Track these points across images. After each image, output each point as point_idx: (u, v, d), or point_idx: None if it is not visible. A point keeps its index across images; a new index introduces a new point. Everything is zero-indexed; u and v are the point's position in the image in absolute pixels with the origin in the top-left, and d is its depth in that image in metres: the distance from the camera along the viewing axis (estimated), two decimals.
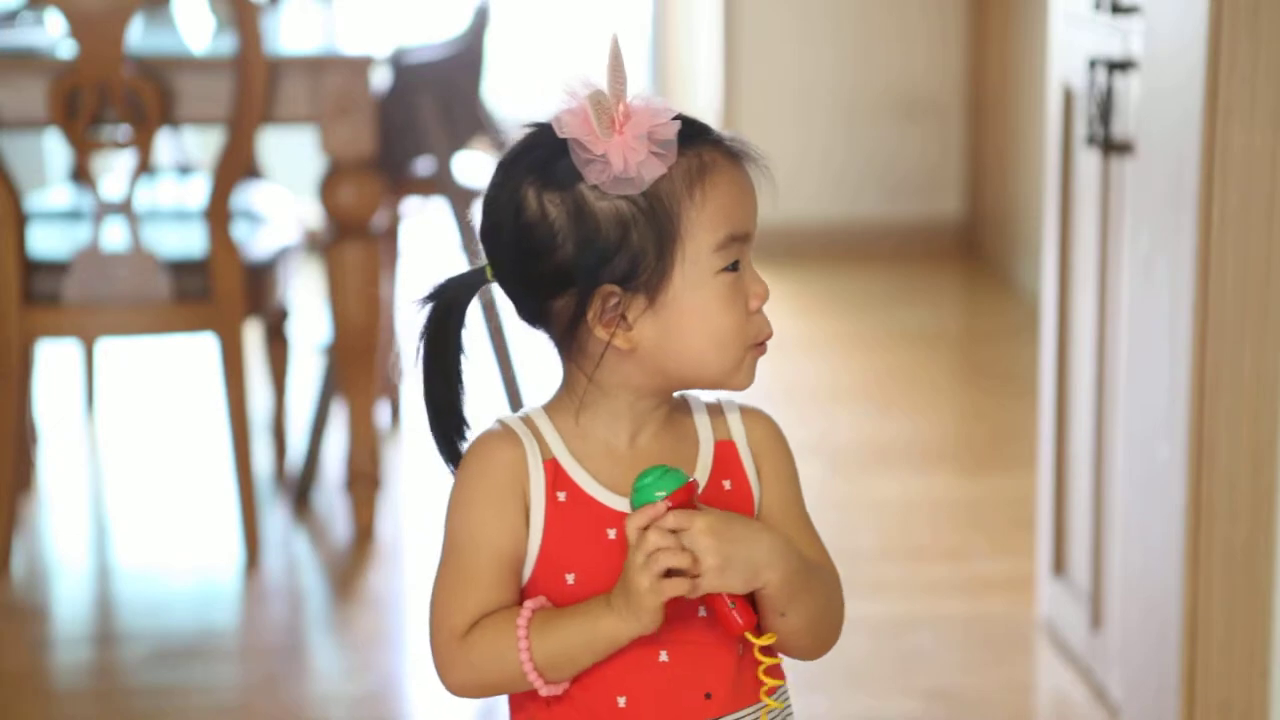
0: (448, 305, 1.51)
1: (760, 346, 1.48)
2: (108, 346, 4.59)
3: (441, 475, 1.55)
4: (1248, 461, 2.47)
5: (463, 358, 1.53)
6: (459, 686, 1.48)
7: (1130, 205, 2.69)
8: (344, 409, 3.60)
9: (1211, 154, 2.41)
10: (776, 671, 1.49)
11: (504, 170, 1.47)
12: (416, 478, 3.92)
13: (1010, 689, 2.98)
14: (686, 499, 1.42)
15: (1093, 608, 2.89)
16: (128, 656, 3.16)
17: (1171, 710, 2.55)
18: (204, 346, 4.00)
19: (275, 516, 3.73)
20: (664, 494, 1.41)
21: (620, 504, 1.46)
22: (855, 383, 4.69)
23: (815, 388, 4.64)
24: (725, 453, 1.52)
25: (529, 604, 1.45)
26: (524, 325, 1.50)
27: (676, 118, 1.44)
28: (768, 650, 1.47)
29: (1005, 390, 4.56)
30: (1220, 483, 2.48)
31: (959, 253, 5.98)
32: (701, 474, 1.51)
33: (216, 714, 2.94)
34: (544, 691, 1.45)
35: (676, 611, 1.43)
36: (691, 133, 1.45)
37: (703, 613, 1.47)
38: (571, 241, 1.43)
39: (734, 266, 1.45)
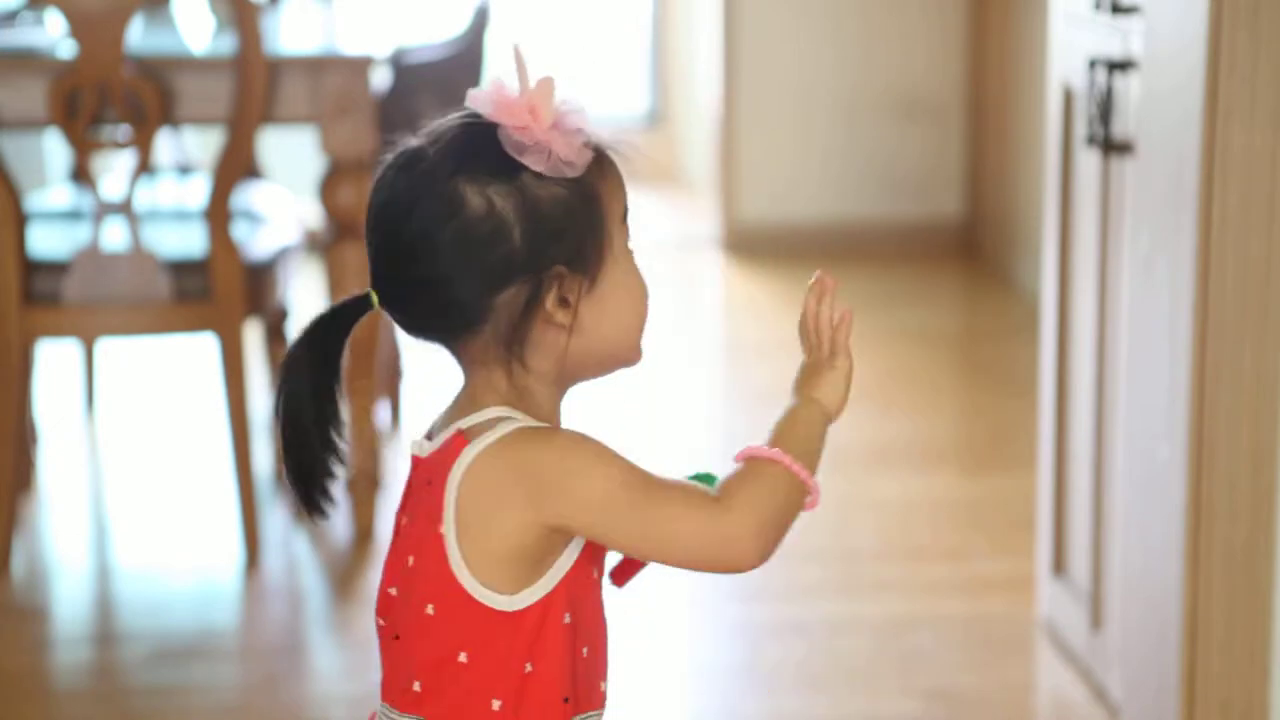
0: (323, 343, 1.51)
1: None
2: (108, 346, 4.59)
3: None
4: (1248, 461, 2.47)
5: (338, 396, 1.51)
6: (756, 544, 1.44)
7: (1130, 205, 2.69)
8: (343, 409, 3.59)
9: (1211, 154, 2.41)
10: None
11: (420, 176, 1.45)
12: None
13: (1010, 689, 2.98)
14: None
15: (1093, 608, 2.89)
16: (128, 656, 3.16)
17: (1171, 710, 2.55)
18: (204, 346, 4.00)
19: (275, 516, 3.73)
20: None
21: None
22: (855, 383, 4.68)
23: None
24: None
25: (748, 450, 1.49)
26: (415, 339, 1.51)
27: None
28: None
29: (1005, 390, 4.56)
30: (1220, 483, 2.48)
31: (959, 253, 5.98)
32: None
33: (216, 714, 2.95)
34: (813, 498, 1.49)
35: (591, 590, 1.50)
36: None
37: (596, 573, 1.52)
38: (519, 229, 1.44)
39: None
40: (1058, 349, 3.06)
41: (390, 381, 4.19)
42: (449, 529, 1.44)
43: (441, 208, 1.44)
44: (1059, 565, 3.07)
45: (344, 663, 3.16)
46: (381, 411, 4.10)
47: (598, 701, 1.50)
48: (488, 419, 1.46)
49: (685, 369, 4.71)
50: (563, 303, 1.46)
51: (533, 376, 1.48)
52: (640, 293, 1.51)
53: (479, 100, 1.46)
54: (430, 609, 1.45)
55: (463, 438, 1.46)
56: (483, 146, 1.44)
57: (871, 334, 5.13)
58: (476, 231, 1.43)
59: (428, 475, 1.48)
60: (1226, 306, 2.44)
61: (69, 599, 3.44)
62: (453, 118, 1.48)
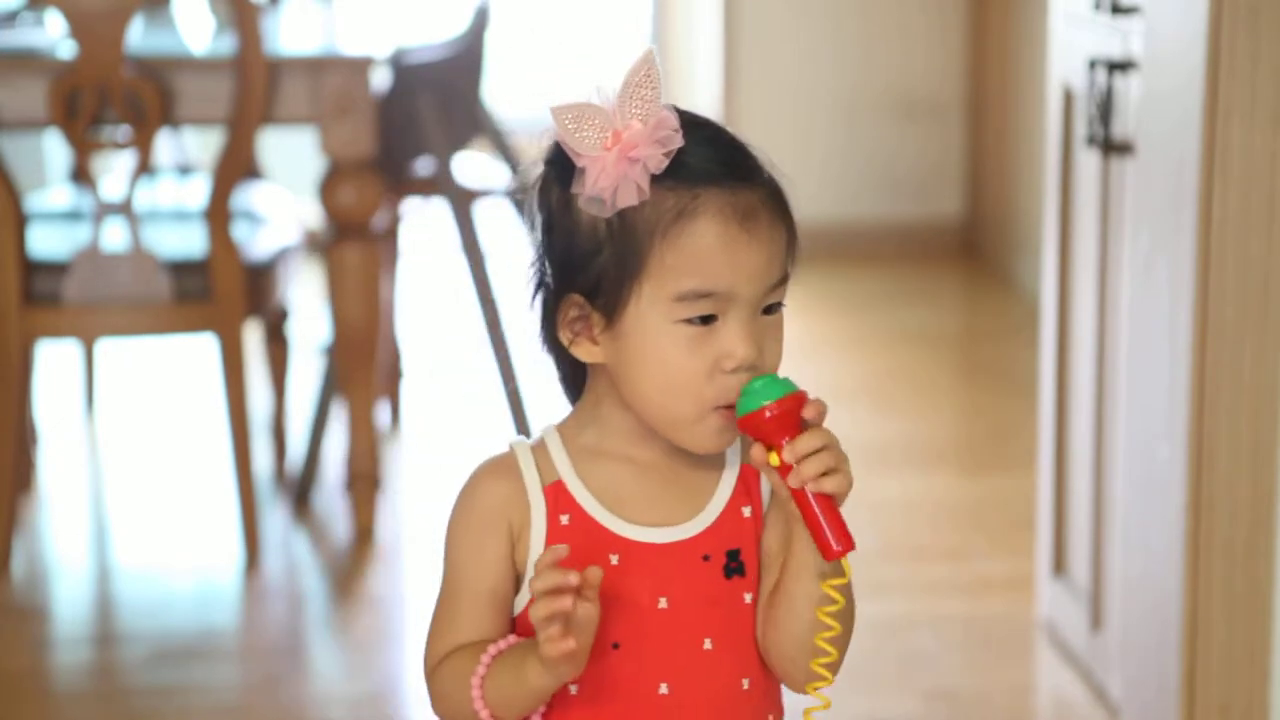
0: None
1: (731, 409, 1.40)
2: (108, 347, 4.59)
3: (442, 476, 1.55)
4: (1248, 461, 2.47)
5: None
6: (437, 715, 1.48)
7: (1130, 205, 2.69)
8: (344, 409, 3.60)
9: (1211, 154, 2.41)
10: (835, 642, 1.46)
11: (551, 150, 1.44)
12: (417, 478, 3.92)
13: (1010, 689, 2.98)
14: (795, 408, 1.39)
15: (1093, 608, 2.89)
16: (128, 657, 3.16)
17: (1172, 710, 2.55)
18: (204, 347, 4.00)
19: (275, 517, 3.73)
20: (770, 402, 1.38)
21: (625, 529, 1.44)
22: (855, 383, 4.69)
23: (815, 388, 4.57)
24: (748, 478, 1.48)
25: (493, 646, 1.42)
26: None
27: (706, 148, 1.40)
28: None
29: (1005, 390, 4.56)
30: (1220, 483, 2.48)
31: (959, 253, 5.98)
32: (722, 497, 1.47)
33: (216, 714, 2.94)
34: None
35: (682, 644, 1.42)
36: (705, 170, 1.39)
37: (708, 645, 1.44)
38: (558, 239, 1.42)
39: (706, 319, 1.39)
40: (1058, 349, 3.06)
41: (390, 381, 4.19)
42: None
43: (538, 186, 1.44)
44: (1059, 565, 3.07)
45: (344, 663, 3.16)
46: (381, 411, 4.10)
47: None
48: (510, 441, 1.49)
49: None
50: (588, 330, 1.42)
51: (594, 396, 1.47)
52: (669, 366, 1.39)
53: (571, 97, 1.41)
54: None
55: None
56: (561, 150, 1.41)
57: (871, 334, 5.13)
58: (539, 217, 1.44)
59: None
60: (1226, 306, 2.44)
61: (69, 599, 3.44)
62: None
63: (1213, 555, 2.50)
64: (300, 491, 3.78)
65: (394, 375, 4.20)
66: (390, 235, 4.03)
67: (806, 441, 1.38)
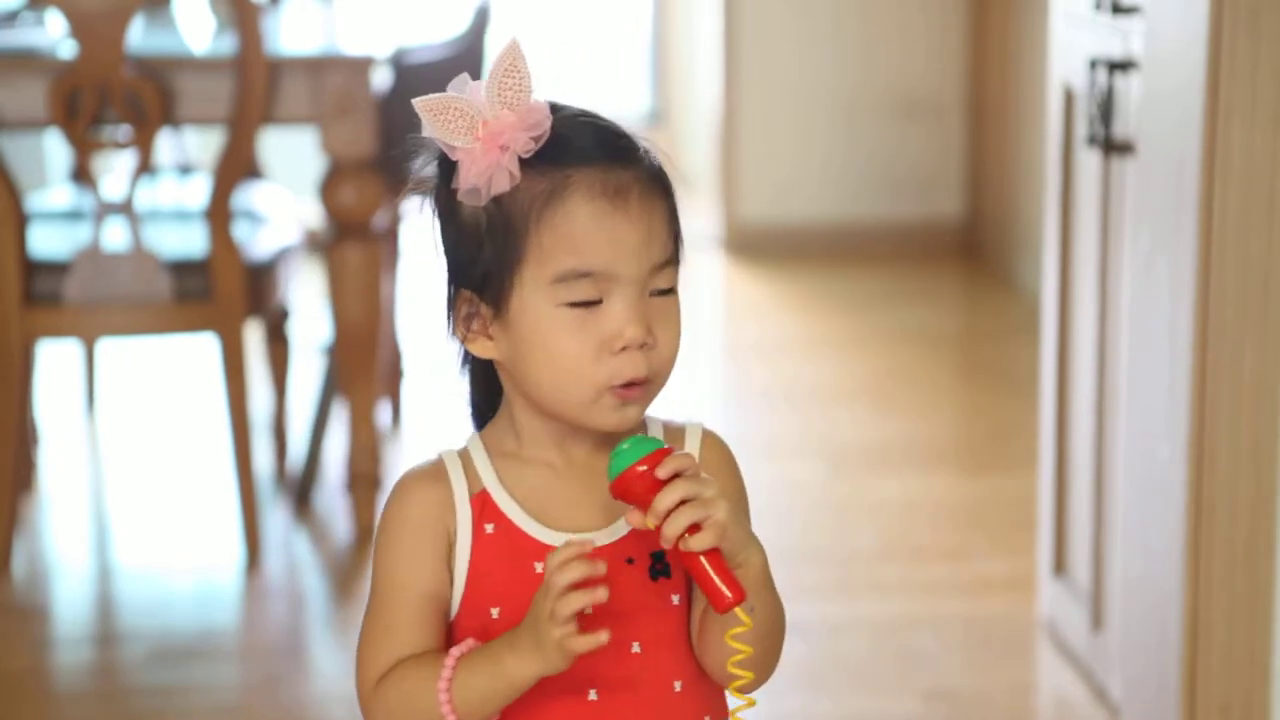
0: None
1: (628, 389, 1.40)
2: (108, 346, 4.59)
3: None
4: (1248, 461, 2.47)
5: None
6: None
7: (1131, 205, 2.69)
8: (345, 409, 3.60)
9: (1212, 154, 2.41)
10: (745, 664, 1.41)
11: (439, 159, 1.45)
12: None
13: (1011, 689, 2.98)
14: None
15: (1093, 608, 2.89)
16: (128, 656, 3.16)
17: (1172, 710, 2.55)
18: (205, 347, 4.00)
19: (276, 517, 3.73)
20: (636, 461, 1.35)
21: (548, 536, 1.43)
22: (855, 383, 4.69)
23: (815, 388, 4.64)
24: None
25: (455, 649, 1.40)
26: None
27: (580, 130, 1.39)
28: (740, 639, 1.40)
29: (1005, 390, 4.56)
30: (1221, 483, 2.48)
31: (959, 253, 5.98)
32: None
33: (217, 714, 2.95)
34: None
35: (609, 648, 1.37)
36: (577, 151, 1.39)
37: (636, 648, 1.43)
38: (447, 238, 1.43)
39: (591, 302, 1.38)
40: (1058, 349, 3.06)
41: (391, 381, 4.19)
42: None
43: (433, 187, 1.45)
44: (1059, 565, 3.07)
45: (344, 663, 3.16)
46: (382, 411, 4.10)
47: None
48: (439, 450, 1.48)
49: (685, 368, 4.71)
50: (482, 326, 1.42)
51: (513, 400, 1.46)
52: (555, 350, 1.39)
53: (451, 89, 1.41)
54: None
55: None
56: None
57: (871, 334, 5.13)
58: (433, 219, 1.45)
59: None
60: (1227, 306, 2.44)
61: (69, 599, 3.44)
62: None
63: (1213, 555, 2.50)
64: (301, 491, 3.78)
65: (395, 375, 4.20)
66: (391, 235, 4.03)
67: (664, 499, 1.34)
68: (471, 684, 1.39)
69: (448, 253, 1.43)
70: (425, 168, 1.45)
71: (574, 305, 1.38)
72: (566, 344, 1.39)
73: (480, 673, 1.38)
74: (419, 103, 1.39)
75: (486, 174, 1.38)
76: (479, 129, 1.39)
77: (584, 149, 1.39)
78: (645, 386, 1.42)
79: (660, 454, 1.36)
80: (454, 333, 1.44)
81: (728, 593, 1.34)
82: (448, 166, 1.42)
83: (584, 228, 1.38)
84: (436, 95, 1.40)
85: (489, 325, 1.42)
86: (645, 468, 1.35)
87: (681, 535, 1.34)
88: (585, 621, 1.35)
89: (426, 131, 1.40)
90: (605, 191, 1.38)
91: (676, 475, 1.35)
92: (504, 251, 1.39)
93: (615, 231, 1.38)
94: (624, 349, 1.39)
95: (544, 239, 1.38)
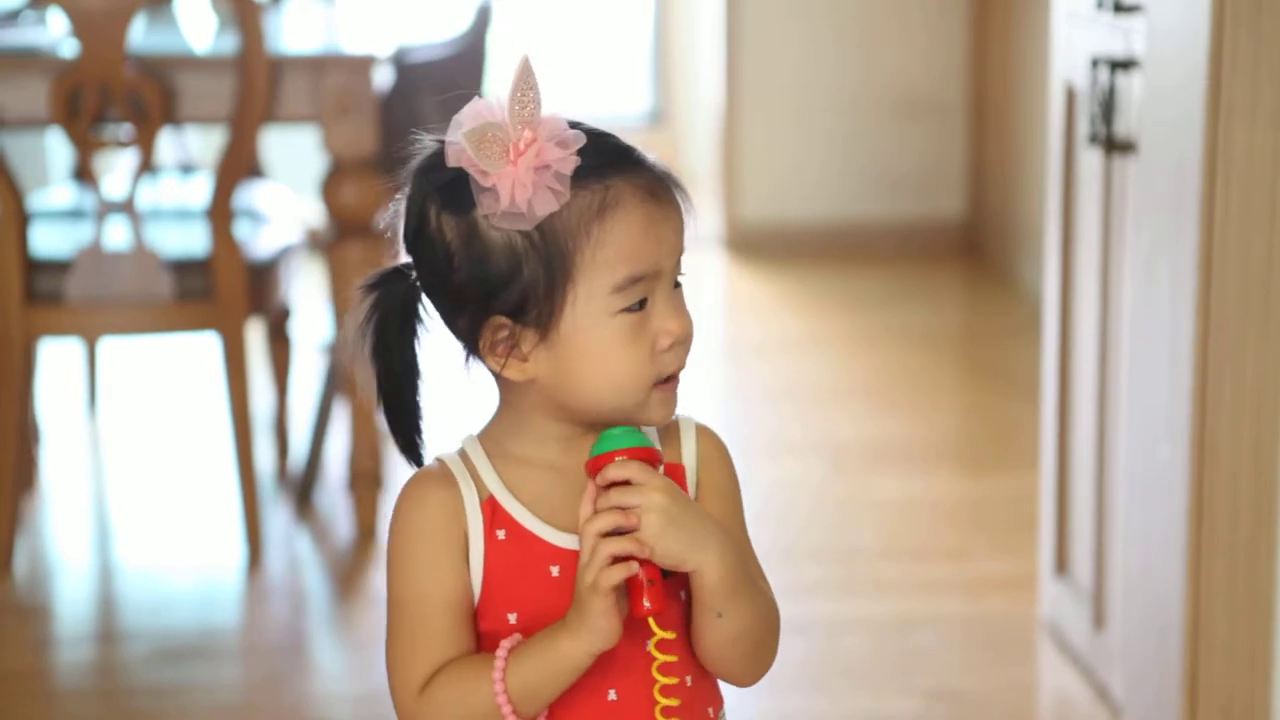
0: (389, 301, 1.45)
1: (669, 382, 1.42)
2: (110, 346, 4.60)
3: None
4: (1249, 461, 2.47)
5: (417, 348, 1.46)
6: None
7: (1132, 204, 2.69)
8: (346, 408, 3.60)
9: (1214, 153, 2.41)
10: (670, 669, 1.43)
11: (413, 179, 1.42)
12: None
13: (1012, 689, 2.98)
14: (646, 460, 1.38)
15: (1095, 608, 2.89)
16: (129, 655, 3.16)
17: (1173, 710, 2.55)
18: (206, 346, 4.00)
19: (277, 516, 3.73)
20: (618, 449, 1.37)
21: (561, 540, 1.43)
22: (855, 383, 4.69)
23: (815, 387, 4.65)
24: (673, 476, 1.45)
25: (505, 642, 1.40)
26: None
27: (594, 143, 1.38)
28: (666, 647, 1.42)
29: (1007, 390, 4.56)
30: (1222, 483, 2.48)
31: (960, 252, 5.98)
32: None
33: (218, 713, 2.95)
34: None
35: (628, 646, 1.39)
36: (603, 162, 1.39)
37: (650, 646, 1.43)
38: (465, 268, 1.39)
39: (641, 305, 1.40)
40: (1059, 348, 3.06)
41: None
42: None
43: (415, 218, 1.41)
44: (1061, 565, 3.07)
45: (346, 662, 3.16)
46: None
47: None
48: (436, 455, 1.47)
49: (686, 367, 4.70)
50: (516, 349, 1.40)
51: (513, 410, 1.45)
52: (613, 361, 1.39)
53: (464, 117, 1.38)
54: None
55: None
56: (461, 175, 1.38)
57: (872, 333, 5.13)
58: (433, 254, 1.41)
59: None
60: (1228, 306, 2.44)
61: (71, 598, 3.44)
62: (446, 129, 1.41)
63: (1214, 555, 2.50)
64: (302, 490, 3.79)
65: None
66: (392, 234, 4.03)
67: (603, 499, 1.37)
68: (526, 674, 1.39)
69: (463, 283, 1.40)
70: (402, 206, 1.43)
71: (629, 310, 1.39)
72: (625, 351, 1.40)
73: (534, 660, 1.39)
74: (467, 135, 1.36)
75: (529, 196, 1.36)
76: (510, 151, 1.37)
77: (607, 159, 1.39)
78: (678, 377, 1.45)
79: (642, 452, 1.38)
80: (486, 363, 1.42)
81: (646, 602, 1.37)
82: (457, 195, 1.39)
83: (640, 234, 1.39)
84: (477, 125, 1.37)
85: (528, 349, 1.40)
86: (622, 459, 1.38)
87: (601, 537, 1.37)
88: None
89: (463, 161, 1.37)
90: (649, 194, 1.40)
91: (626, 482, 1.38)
92: (552, 271, 1.37)
93: (661, 230, 1.40)
94: (672, 344, 1.41)
95: (599, 253, 1.37)
